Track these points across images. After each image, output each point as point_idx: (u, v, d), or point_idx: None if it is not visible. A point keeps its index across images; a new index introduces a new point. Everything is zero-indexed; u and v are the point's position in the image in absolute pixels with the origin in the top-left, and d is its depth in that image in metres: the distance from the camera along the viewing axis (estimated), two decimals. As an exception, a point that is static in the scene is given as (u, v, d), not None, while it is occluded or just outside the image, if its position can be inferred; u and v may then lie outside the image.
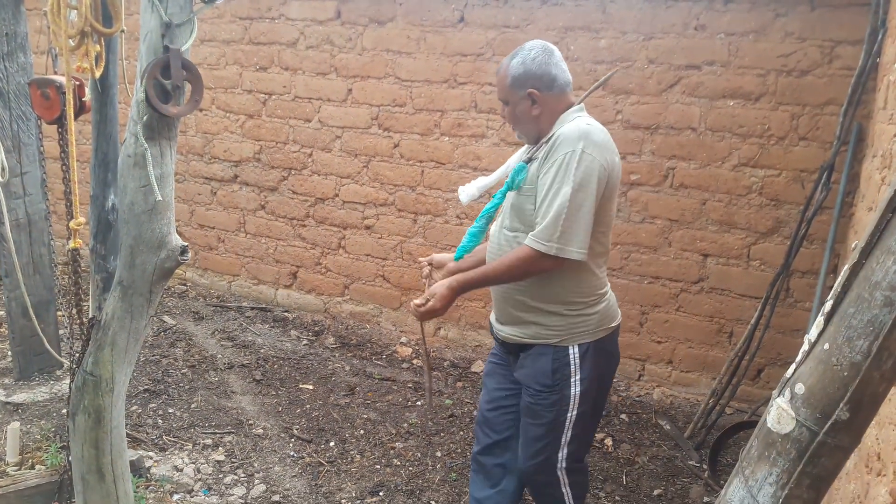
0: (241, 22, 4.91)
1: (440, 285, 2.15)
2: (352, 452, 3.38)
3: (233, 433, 3.46)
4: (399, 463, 3.32)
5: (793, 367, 1.09)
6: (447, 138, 4.39)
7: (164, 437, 3.38)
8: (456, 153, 4.39)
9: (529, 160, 2.21)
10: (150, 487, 2.95)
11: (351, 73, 4.63)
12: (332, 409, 3.75)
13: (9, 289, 3.64)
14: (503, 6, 4.14)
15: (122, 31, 2.48)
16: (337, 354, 4.48)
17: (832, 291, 1.05)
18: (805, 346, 1.08)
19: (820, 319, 1.06)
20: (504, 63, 2.24)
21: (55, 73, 2.78)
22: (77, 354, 2.86)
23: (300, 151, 4.92)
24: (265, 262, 5.26)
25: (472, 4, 4.20)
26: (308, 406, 3.78)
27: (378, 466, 3.28)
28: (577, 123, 2.13)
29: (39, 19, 5.32)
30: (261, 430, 3.51)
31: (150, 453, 3.20)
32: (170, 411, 3.63)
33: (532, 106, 2.20)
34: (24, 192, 3.53)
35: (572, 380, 2.21)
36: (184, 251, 2.28)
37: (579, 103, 2.27)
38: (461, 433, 3.59)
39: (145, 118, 2.07)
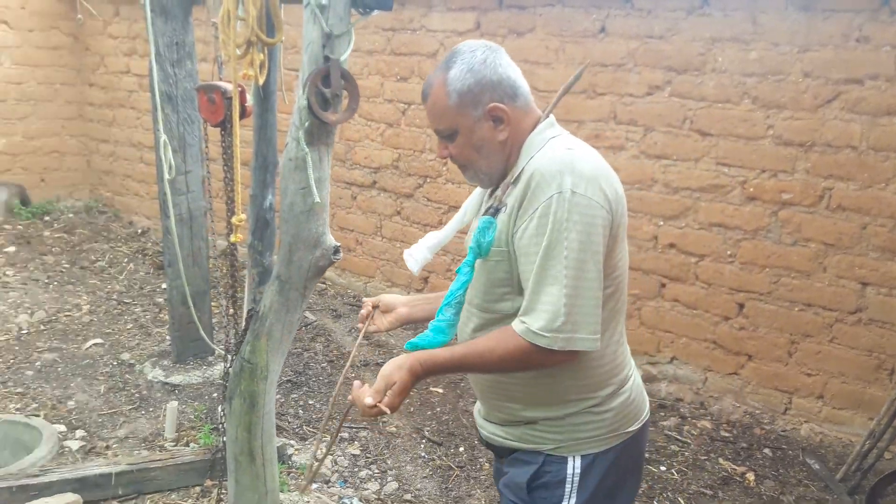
0: (384, 33, 5.10)
1: (397, 368, 1.47)
2: (481, 460, 3.41)
3: (367, 429, 3.59)
4: (525, 472, 3.32)
5: None
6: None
7: (304, 427, 3.57)
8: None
9: (496, 210, 1.56)
10: (291, 474, 3.12)
11: (489, 82, 4.68)
12: (461, 415, 3.81)
13: (171, 278, 3.97)
14: (646, 16, 4.05)
15: (281, 41, 2.66)
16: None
17: None
18: None
19: None
20: (434, 79, 1.59)
21: (220, 79, 3.01)
22: (231, 342, 3.08)
23: (436, 160, 5.04)
24: (399, 265, 5.42)
25: (613, 15, 4.15)
26: (438, 409, 3.86)
27: (504, 473, 3.29)
28: (551, 150, 1.52)
29: (204, 30, 5.77)
30: (394, 429, 3.62)
31: (292, 441, 3.37)
32: (310, 403, 3.82)
33: (496, 128, 1.56)
34: (188, 189, 3.84)
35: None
36: (336, 251, 2.40)
37: (546, 115, 1.64)
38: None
39: (307, 124, 2.20)
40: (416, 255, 1.84)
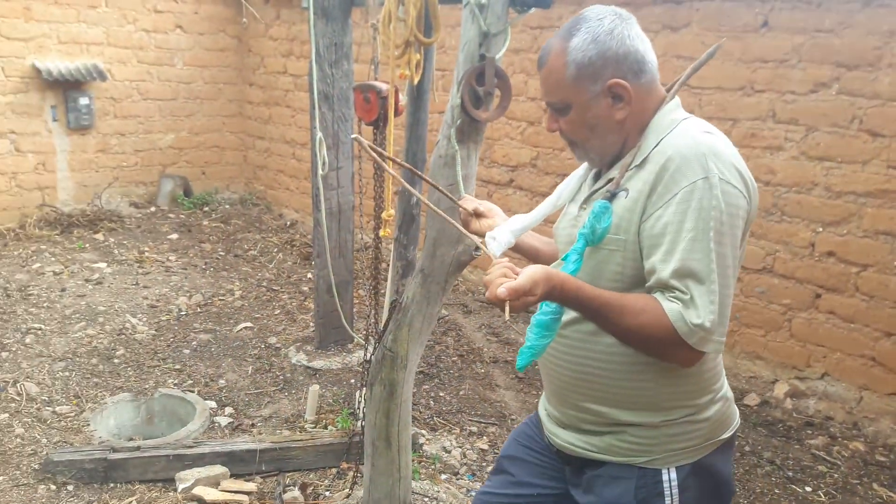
0: (531, 31, 5.08)
1: (545, 280, 1.29)
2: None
3: (496, 425, 3.60)
4: (660, 484, 3.20)
5: None
6: (738, 149, 4.12)
7: (434, 418, 3.62)
8: (747, 166, 4.10)
9: (612, 195, 1.43)
10: (423, 463, 3.18)
11: (636, 81, 4.55)
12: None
13: (318, 267, 4.16)
14: (815, 9, 3.77)
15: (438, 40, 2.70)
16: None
17: None
18: None
19: None
20: (553, 46, 1.45)
21: (375, 79, 3.12)
22: (373, 330, 3.18)
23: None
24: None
25: (778, 8, 3.90)
26: (569, 411, 3.80)
27: (638, 484, 3.19)
28: (688, 133, 1.39)
29: (360, 31, 6.00)
30: (523, 427, 3.60)
31: (423, 431, 3.44)
32: (441, 395, 3.88)
33: (615, 105, 1.43)
34: (338, 185, 4.01)
35: None
36: (477, 247, 2.42)
37: (672, 96, 1.49)
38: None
39: (458, 122, 2.23)
40: (500, 239, 1.65)
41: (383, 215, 2.68)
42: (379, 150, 1.66)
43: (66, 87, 6.54)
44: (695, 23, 4.23)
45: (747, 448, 3.49)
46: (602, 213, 1.40)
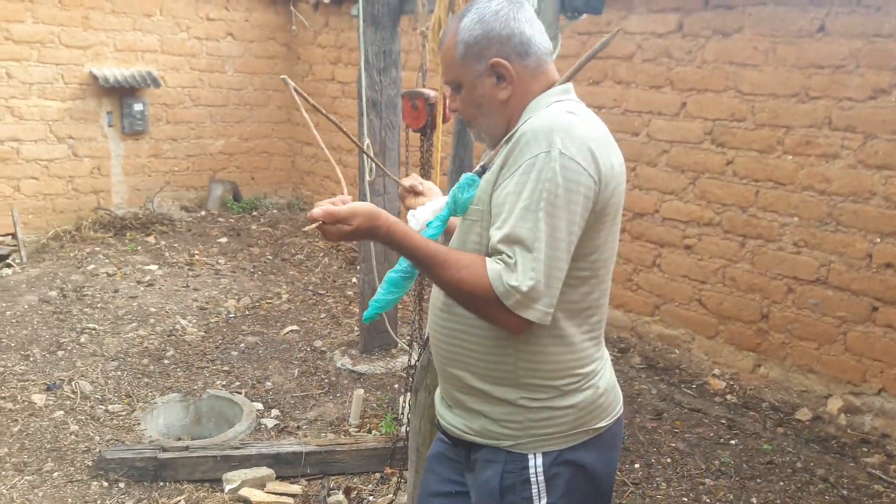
0: (578, 37, 5.05)
1: (366, 217, 1.38)
2: (657, 479, 3.26)
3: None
4: (709, 501, 3.12)
5: None
6: (790, 157, 4.02)
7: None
8: (800, 174, 3.99)
9: (483, 170, 1.50)
10: (466, 470, 3.17)
11: (687, 86, 4.48)
12: (637, 431, 3.66)
13: (363, 272, 4.19)
14: (874, 13, 3.66)
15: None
16: (643, 375, 4.37)
17: None
18: None
19: None
20: (451, 27, 1.52)
21: (423, 87, 3.13)
22: (417, 335, 3.18)
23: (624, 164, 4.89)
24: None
25: (834, 13, 3.79)
26: (614, 422, 3.74)
27: (686, 500, 3.12)
28: (552, 110, 1.41)
29: (408, 39, 6.04)
30: (567, 437, 3.56)
31: (466, 439, 3.43)
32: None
33: (498, 85, 1.47)
34: (384, 191, 4.04)
35: None
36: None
37: (564, 81, 1.51)
38: (781, 483, 3.25)
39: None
40: (419, 216, 1.66)
41: (430, 221, 2.69)
42: (306, 96, 1.62)
43: (122, 94, 6.74)
44: (747, 28, 4.15)
45: (799, 465, 3.39)
46: (467, 185, 1.48)
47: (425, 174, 3.11)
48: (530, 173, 1.34)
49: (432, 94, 2.97)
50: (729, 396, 4.12)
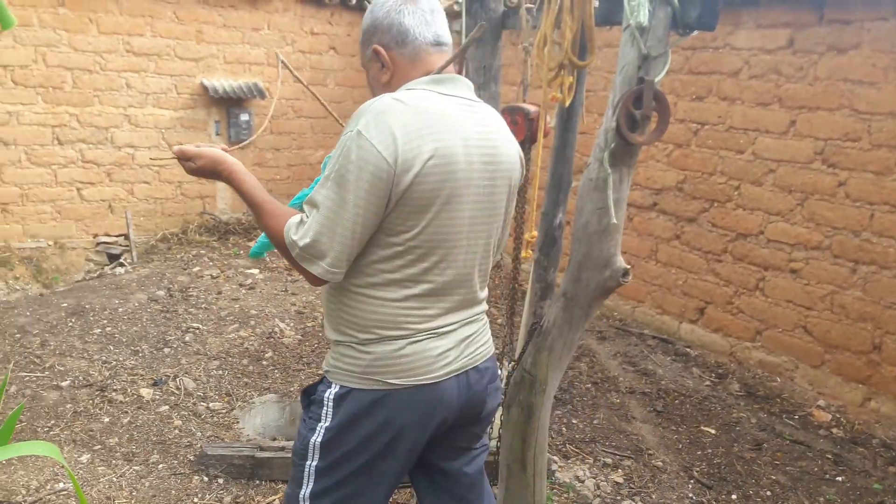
0: (682, 52, 4.93)
1: (212, 160, 1.73)
2: (756, 511, 3.12)
3: (632, 458, 3.48)
4: (812, 539, 2.96)
5: None
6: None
7: (567, 445, 3.56)
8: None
9: None
10: (555, 490, 3.12)
11: (797, 103, 4.30)
12: (735, 461, 3.52)
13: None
14: None
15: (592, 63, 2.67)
16: (742, 403, 4.19)
17: None
18: None
19: None
20: None
21: (524, 101, 3.12)
22: (509, 352, 3.17)
23: (726, 184, 4.74)
24: (672, 293, 5.19)
25: (966, 25, 3.55)
26: (710, 450, 3.60)
27: (787, 536, 2.97)
28: (389, 95, 1.57)
29: (507, 53, 6.07)
30: (660, 463, 3.45)
31: (555, 458, 3.38)
32: (573, 422, 3.81)
33: (382, 70, 1.68)
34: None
35: (319, 424, 1.69)
36: (626, 273, 2.36)
37: (437, 72, 1.65)
38: (893, 526, 3.05)
39: (612, 145, 2.19)
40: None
41: (526, 236, 2.68)
42: (291, 69, 1.98)
43: (229, 104, 7.07)
44: (865, 44, 3.94)
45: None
46: (327, 162, 1.62)
47: (522, 188, 3.10)
48: (339, 149, 1.54)
49: (533, 109, 2.96)
50: (835, 430, 3.90)
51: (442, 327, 1.70)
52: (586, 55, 2.58)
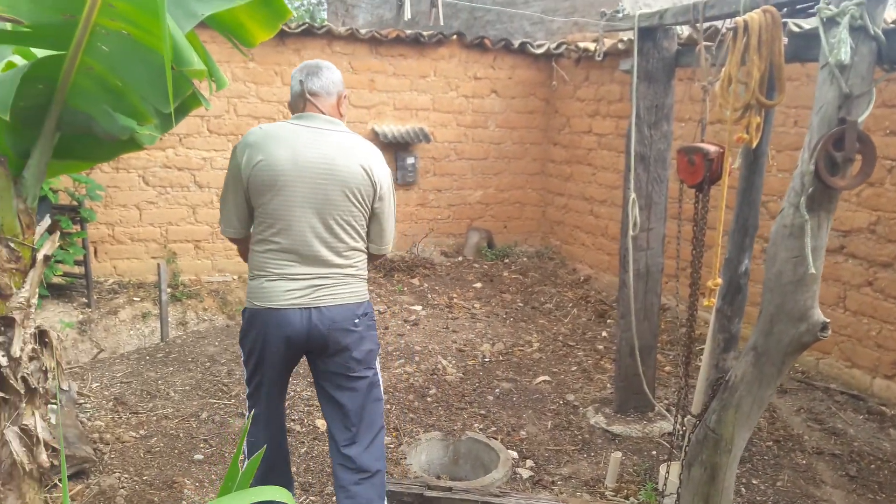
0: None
1: None
2: None
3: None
4: None
5: None
6: None
7: (748, 507, 3.31)
8: None
9: None
10: (736, 556, 2.91)
11: None
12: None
13: (622, 329, 4.10)
14: None
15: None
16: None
17: None
18: None
19: None
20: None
21: (702, 141, 3.02)
22: (682, 404, 3.02)
23: (930, 226, 4.27)
24: (864, 344, 4.72)
25: None
26: None
27: None
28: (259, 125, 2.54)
29: (680, 89, 5.92)
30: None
31: (735, 520, 3.16)
32: (753, 482, 3.54)
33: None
34: (648, 246, 3.94)
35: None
36: (824, 327, 2.18)
37: (297, 114, 2.52)
38: None
39: (810, 190, 2.06)
40: None
41: (709, 283, 2.55)
42: None
43: (397, 148, 7.41)
44: None
45: None
46: None
47: (699, 230, 2.98)
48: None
49: (712, 149, 2.85)
50: None
51: (291, 274, 2.46)
52: (774, 94, 2.46)
